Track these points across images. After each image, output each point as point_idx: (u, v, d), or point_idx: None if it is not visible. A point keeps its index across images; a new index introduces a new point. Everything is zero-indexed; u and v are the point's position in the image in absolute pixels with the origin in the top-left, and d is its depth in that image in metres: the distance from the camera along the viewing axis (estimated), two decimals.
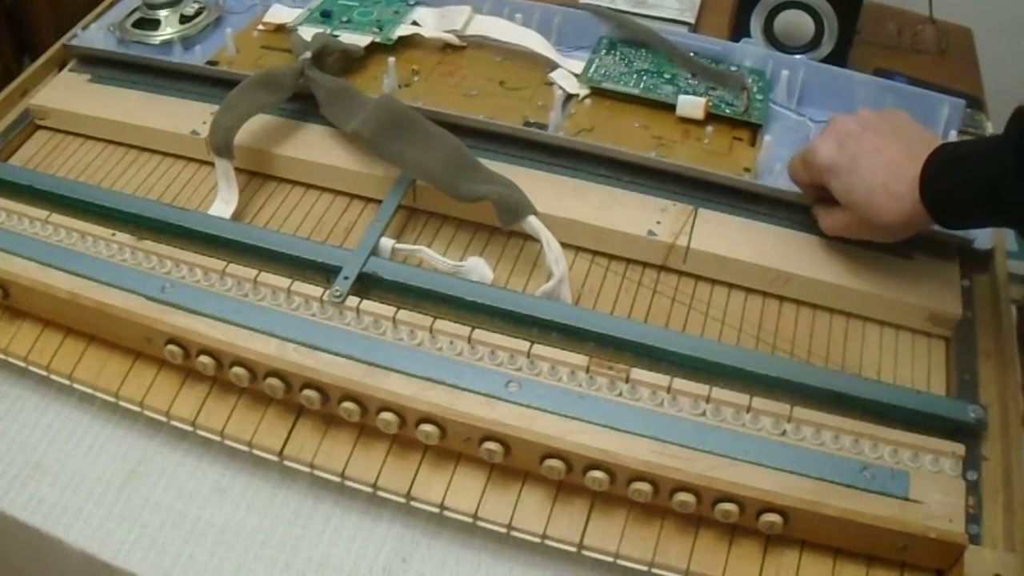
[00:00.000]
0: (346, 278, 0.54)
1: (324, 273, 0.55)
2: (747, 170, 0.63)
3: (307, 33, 0.71)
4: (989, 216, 0.50)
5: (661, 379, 0.49)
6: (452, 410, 0.48)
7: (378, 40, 0.72)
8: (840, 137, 0.53)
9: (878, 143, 0.52)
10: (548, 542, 0.48)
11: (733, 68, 0.70)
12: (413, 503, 0.49)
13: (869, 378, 0.52)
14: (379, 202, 0.60)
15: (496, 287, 0.56)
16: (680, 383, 0.49)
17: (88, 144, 0.67)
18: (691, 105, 0.66)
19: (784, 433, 0.48)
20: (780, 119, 0.68)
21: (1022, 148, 0.46)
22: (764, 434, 0.48)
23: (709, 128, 0.66)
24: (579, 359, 0.50)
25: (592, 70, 0.70)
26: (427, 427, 0.48)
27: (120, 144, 0.67)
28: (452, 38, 0.73)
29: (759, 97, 0.68)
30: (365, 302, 0.52)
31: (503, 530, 0.48)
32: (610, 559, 0.47)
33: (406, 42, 0.73)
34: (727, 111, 0.66)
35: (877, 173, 0.51)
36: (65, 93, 0.69)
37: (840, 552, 0.47)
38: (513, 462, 0.49)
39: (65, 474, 0.53)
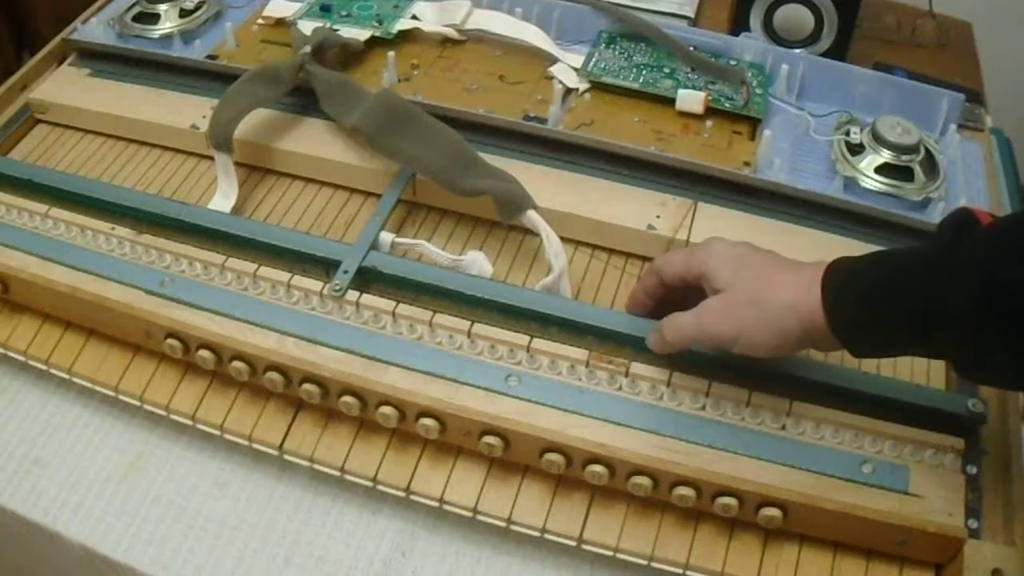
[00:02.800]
0: (346, 272, 0.54)
1: (324, 267, 0.55)
2: (747, 164, 0.62)
3: (307, 27, 0.71)
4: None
5: (661, 373, 0.49)
6: (452, 404, 0.48)
7: (378, 34, 0.72)
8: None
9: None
10: (548, 536, 0.48)
11: (733, 62, 0.70)
12: (413, 497, 0.49)
13: (869, 372, 0.52)
14: (379, 196, 0.60)
15: (496, 281, 0.56)
16: (680, 377, 0.49)
17: (88, 138, 0.67)
18: (691, 99, 0.66)
19: (784, 427, 0.48)
20: (780, 113, 0.68)
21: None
22: (764, 428, 0.48)
23: (709, 122, 0.66)
24: (579, 353, 0.50)
25: (592, 64, 0.70)
26: (427, 421, 0.48)
27: (120, 138, 0.67)
28: (452, 32, 0.73)
29: (759, 91, 0.68)
30: (365, 296, 0.52)
31: (503, 524, 0.48)
32: (610, 553, 0.47)
33: (406, 36, 0.73)
34: (727, 105, 0.66)
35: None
36: (65, 87, 0.69)
37: (840, 546, 0.47)
38: (513, 456, 0.49)
39: (65, 468, 0.53)
